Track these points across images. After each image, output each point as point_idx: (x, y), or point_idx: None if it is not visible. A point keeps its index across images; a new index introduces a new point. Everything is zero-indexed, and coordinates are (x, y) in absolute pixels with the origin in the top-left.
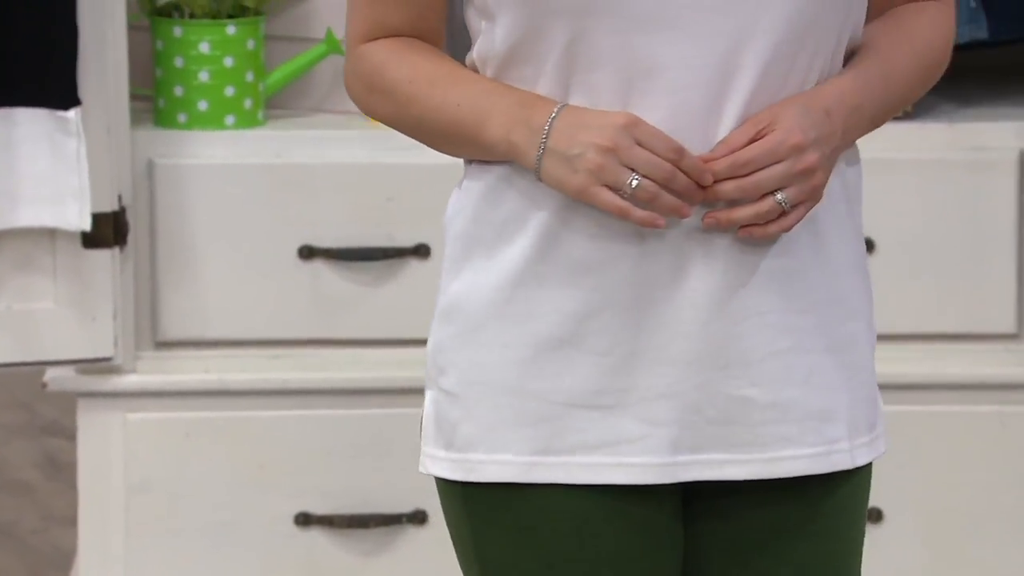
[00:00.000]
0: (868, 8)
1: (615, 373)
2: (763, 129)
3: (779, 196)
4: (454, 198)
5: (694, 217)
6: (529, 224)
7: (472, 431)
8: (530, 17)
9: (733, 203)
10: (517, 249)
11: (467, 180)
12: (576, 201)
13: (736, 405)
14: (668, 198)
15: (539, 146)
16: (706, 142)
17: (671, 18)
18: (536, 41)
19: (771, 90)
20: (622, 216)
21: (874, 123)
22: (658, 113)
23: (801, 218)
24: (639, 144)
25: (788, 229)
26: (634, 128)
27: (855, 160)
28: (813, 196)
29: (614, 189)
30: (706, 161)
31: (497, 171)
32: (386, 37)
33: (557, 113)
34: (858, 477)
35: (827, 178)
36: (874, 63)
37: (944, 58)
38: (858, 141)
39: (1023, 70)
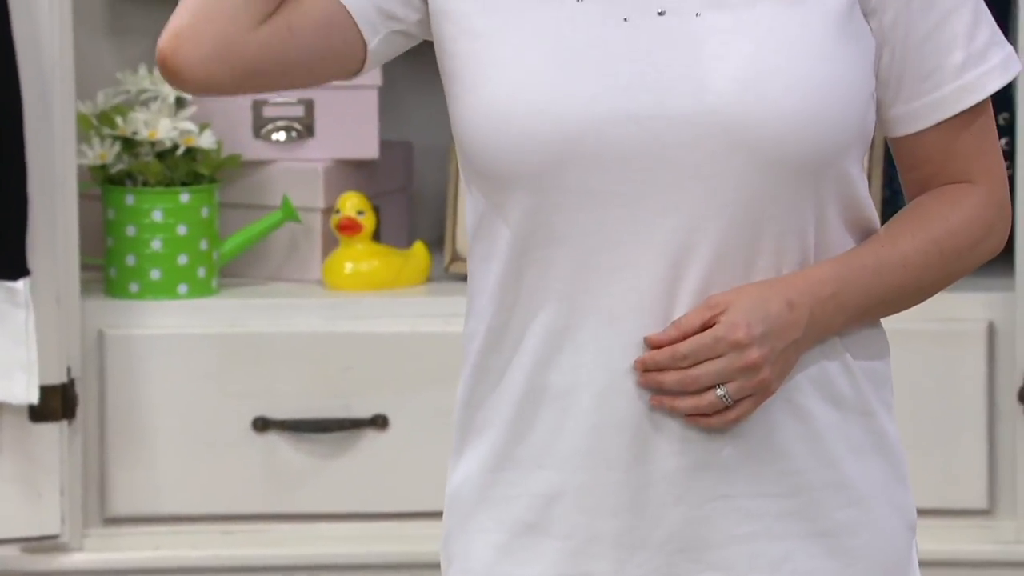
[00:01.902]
0: (908, 189)
1: (575, 558)
2: (715, 315)
3: (720, 391)
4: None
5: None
6: (503, 408)
7: None
8: (487, 192)
9: None
10: (495, 432)
11: (464, 363)
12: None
13: None
14: None
15: None
16: (664, 318)
17: (625, 194)
18: (494, 216)
19: (732, 269)
20: None
21: (865, 313)
22: (614, 289)
23: (750, 412)
24: None
25: (734, 423)
26: None
27: (865, 344)
28: (761, 391)
29: None
30: (654, 345)
31: (474, 356)
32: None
33: None
34: None
35: (780, 374)
36: (870, 250)
37: (977, 244)
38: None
39: None
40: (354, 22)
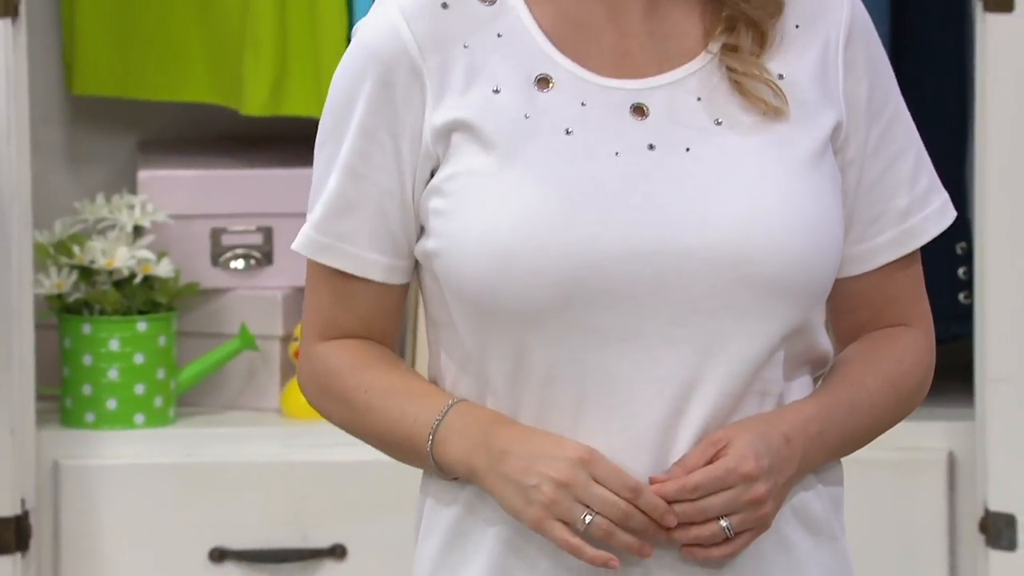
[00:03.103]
0: (840, 332)
1: None
2: (719, 451)
3: (724, 523)
4: (423, 517)
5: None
6: (482, 551)
7: None
8: (482, 329)
9: None
10: (484, 561)
11: (430, 499)
12: (529, 530)
13: None
14: (624, 537)
15: (496, 472)
16: (660, 458)
17: (628, 330)
18: (487, 354)
19: (734, 403)
20: (574, 554)
21: (838, 452)
22: (612, 426)
23: (746, 545)
24: (595, 480)
25: (731, 556)
26: (590, 463)
27: (829, 469)
28: (760, 524)
29: (569, 524)
30: (657, 482)
31: (457, 508)
32: (341, 337)
33: (515, 438)
34: None
35: (777, 508)
36: (843, 391)
37: (921, 387)
38: None
39: (952, 369)
40: (403, 285)
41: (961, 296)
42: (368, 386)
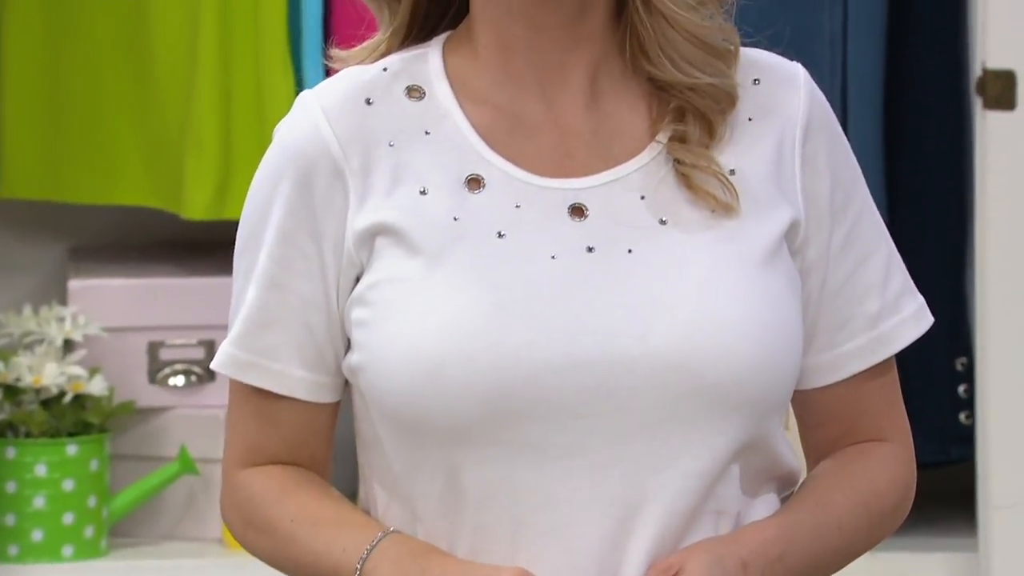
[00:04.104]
0: (811, 447)
1: None
2: None
3: None
4: None
5: None
6: None
7: None
8: (409, 449)
9: None
10: None
11: None
12: None
13: None
14: None
15: None
16: None
17: (566, 446)
18: (415, 475)
19: (684, 523)
20: None
21: (803, 575)
22: (553, 551)
23: None
24: None
25: None
26: None
27: None
28: None
29: None
30: None
31: None
32: (266, 463)
33: (450, 568)
34: None
35: None
36: (807, 511)
37: (898, 508)
38: None
39: (952, 496)
40: (333, 404)
41: (962, 416)
42: (294, 515)
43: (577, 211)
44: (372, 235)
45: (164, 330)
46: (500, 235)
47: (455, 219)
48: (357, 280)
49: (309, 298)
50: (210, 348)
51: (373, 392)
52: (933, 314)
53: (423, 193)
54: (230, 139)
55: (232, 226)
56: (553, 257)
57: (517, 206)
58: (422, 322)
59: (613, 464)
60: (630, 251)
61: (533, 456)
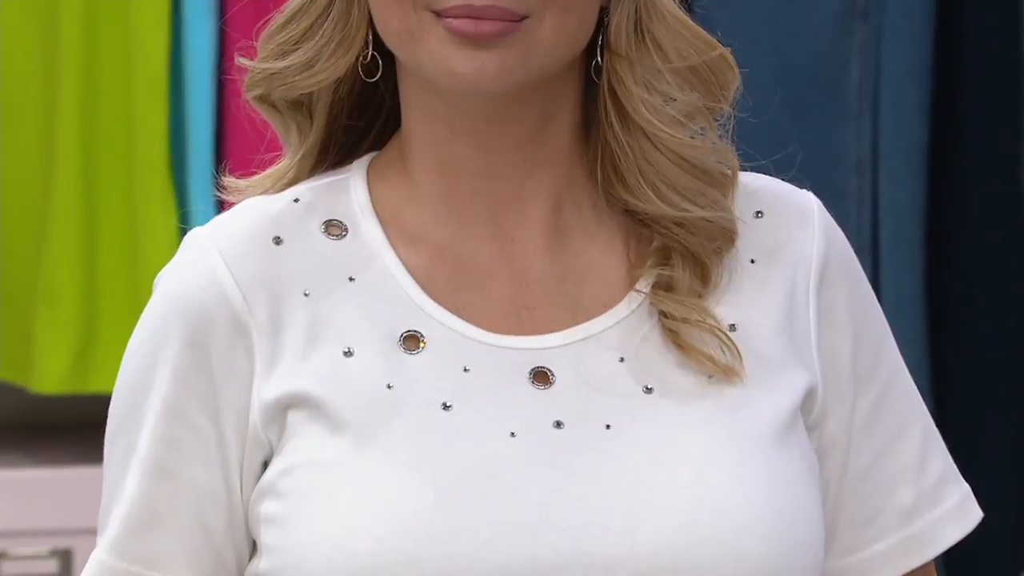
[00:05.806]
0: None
1: None
2: None
3: None
4: None
5: None
6: None
7: None
8: None
9: None
10: None
11: None
12: None
13: None
14: None
15: None
16: None
17: None
18: None
19: None
20: None
21: None
22: None
23: None
24: None
25: None
26: None
27: None
28: None
29: None
30: None
31: None
32: None
33: None
34: None
35: None
36: None
37: None
38: None
39: None
40: None
41: None
42: None
43: (541, 377)
44: (284, 408)
45: (8, 537)
46: (446, 407)
47: (389, 387)
48: (265, 465)
49: (206, 489)
50: (66, 560)
51: None
52: (991, 512)
53: (348, 354)
54: (94, 291)
55: (96, 402)
56: (512, 434)
57: (466, 370)
58: (350, 519)
59: None
60: (608, 427)
61: None
